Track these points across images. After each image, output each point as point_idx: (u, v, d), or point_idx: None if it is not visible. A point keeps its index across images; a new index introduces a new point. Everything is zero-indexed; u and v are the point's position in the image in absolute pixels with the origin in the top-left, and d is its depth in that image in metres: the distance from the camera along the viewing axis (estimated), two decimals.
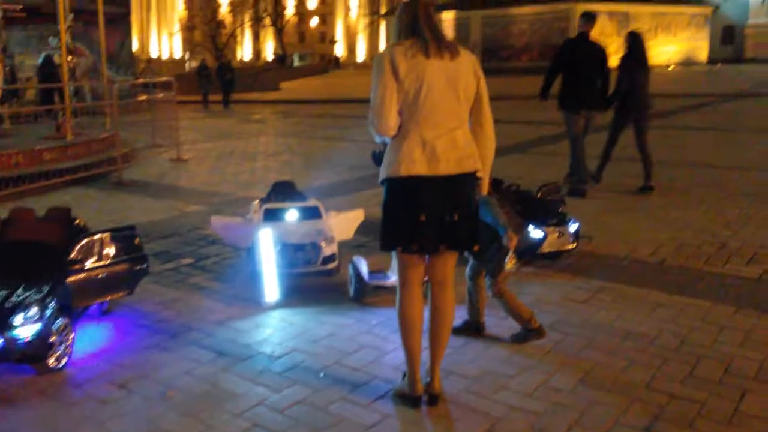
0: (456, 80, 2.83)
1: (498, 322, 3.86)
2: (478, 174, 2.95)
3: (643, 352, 3.49)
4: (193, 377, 3.32)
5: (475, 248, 3.03)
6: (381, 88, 2.80)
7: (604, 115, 7.64)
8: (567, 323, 3.88)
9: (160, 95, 13.17)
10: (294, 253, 4.48)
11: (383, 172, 2.91)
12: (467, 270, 3.75)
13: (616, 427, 2.81)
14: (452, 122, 2.84)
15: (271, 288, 4.25)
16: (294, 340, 3.74)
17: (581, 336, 3.71)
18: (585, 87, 7.16)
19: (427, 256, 2.99)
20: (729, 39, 50.27)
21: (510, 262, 3.61)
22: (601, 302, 4.22)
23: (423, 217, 2.83)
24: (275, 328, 3.93)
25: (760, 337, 3.65)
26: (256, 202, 5.11)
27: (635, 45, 7.44)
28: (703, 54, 47.06)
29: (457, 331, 3.63)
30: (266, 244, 4.25)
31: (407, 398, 3.01)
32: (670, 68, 41.60)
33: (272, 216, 4.69)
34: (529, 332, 3.62)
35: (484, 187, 3.06)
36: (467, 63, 2.88)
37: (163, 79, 14.78)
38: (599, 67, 7.20)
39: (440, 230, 2.87)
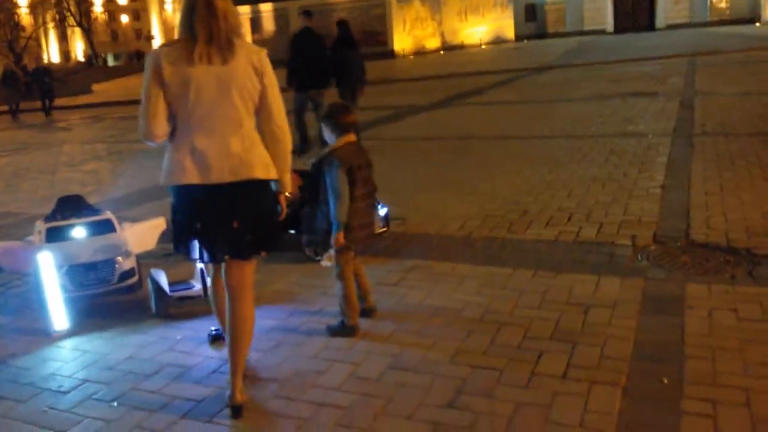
0: (229, 85, 2.69)
1: (309, 317, 3.76)
2: (271, 176, 2.82)
3: (449, 327, 3.55)
4: None
5: (263, 254, 2.89)
6: (146, 94, 2.69)
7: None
8: (378, 308, 3.85)
9: None
10: (85, 273, 4.08)
11: (161, 179, 2.81)
12: (335, 272, 3.59)
13: (420, 407, 2.81)
14: (227, 128, 2.73)
15: (59, 315, 3.84)
16: (86, 370, 3.39)
17: (391, 319, 3.70)
18: (311, 70, 8.77)
19: None
20: (532, 16, 54.01)
21: (327, 258, 3.52)
22: (412, 282, 4.25)
23: (198, 225, 2.78)
24: (65, 360, 3.54)
25: (554, 297, 3.85)
26: (40, 221, 4.59)
27: (343, 31, 9.23)
28: (510, 32, 50.20)
29: (335, 332, 3.54)
30: (47, 268, 3.81)
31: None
32: (482, 47, 44.06)
33: (56, 235, 4.23)
34: (344, 327, 3.55)
35: (286, 186, 2.95)
36: (245, 64, 2.72)
37: None
38: (322, 53, 8.93)
39: (220, 238, 2.80)
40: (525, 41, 47.26)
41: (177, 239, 2.90)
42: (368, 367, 3.18)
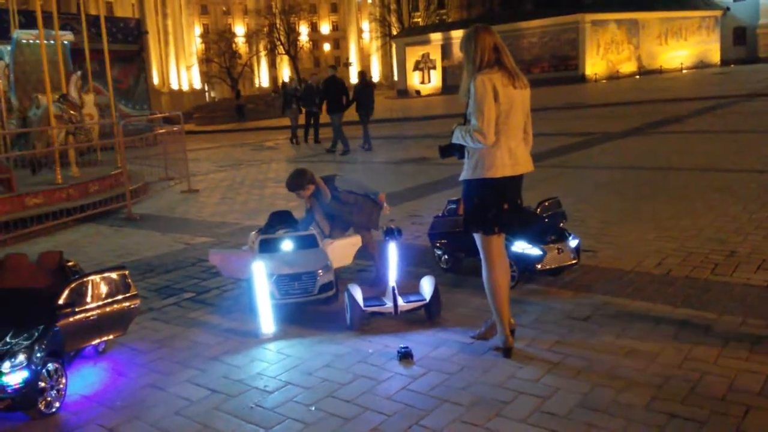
0: (526, 104, 3.67)
1: (496, 344, 3.77)
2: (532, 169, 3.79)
3: (643, 371, 3.38)
4: (183, 417, 3.28)
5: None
6: (488, 109, 3.48)
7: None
8: (567, 343, 3.77)
9: (163, 129, 13.27)
10: (290, 282, 4.46)
11: (475, 173, 3.61)
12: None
13: None
14: (521, 134, 3.67)
15: (267, 320, 4.22)
16: (288, 373, 3.69)
17: (581, 357, 3.60)
18: (335, 101, 15.17)
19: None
20: (741, 40, 49.59)
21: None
22: (603, 318, 4.11)
23: (506, 205, 3.65)
24: (270, 362, 3.88)
25: (766, 349, 3.52)
26: (254, 232, 5.09)
27: (363, 79, 15.59)
28: (715, 56, 46.54)
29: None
30: (260, 276, 4.22)
31: (502, 350, 3.69)
32: (683, 71, 41.26)
33: (267, 247, 4.67)
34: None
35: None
36: (528, 90, 3.68)
37: (163, 114, 15.06)
38: (342, 91, 15.37)
39: (515, 215, 3.71)
40: (732, 66, 43.49)
41: (479, 221, 3.68)
42: (556, 403, 3.12)
